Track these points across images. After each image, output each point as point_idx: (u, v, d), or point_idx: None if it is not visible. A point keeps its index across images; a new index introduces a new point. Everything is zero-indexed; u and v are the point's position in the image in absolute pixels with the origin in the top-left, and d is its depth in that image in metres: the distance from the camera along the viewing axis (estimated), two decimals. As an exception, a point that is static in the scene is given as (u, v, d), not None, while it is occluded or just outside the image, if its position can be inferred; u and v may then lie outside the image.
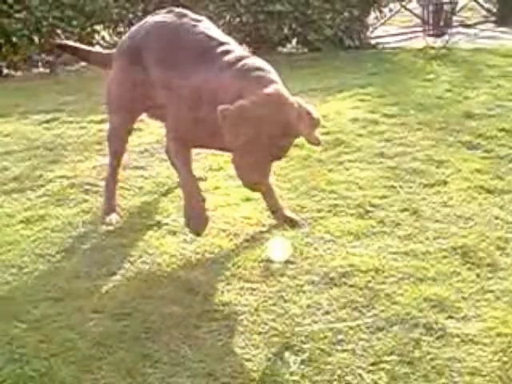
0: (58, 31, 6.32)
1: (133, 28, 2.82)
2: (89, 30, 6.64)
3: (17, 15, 6.12)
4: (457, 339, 1.86)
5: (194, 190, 2.42)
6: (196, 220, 2.37)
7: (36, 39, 6.31)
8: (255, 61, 2.30)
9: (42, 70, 6.43)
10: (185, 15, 2.55)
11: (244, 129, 2.09)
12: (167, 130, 2.58)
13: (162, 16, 2.62)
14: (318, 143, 2.25)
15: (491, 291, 2.10)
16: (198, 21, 2.53)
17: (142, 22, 2.73)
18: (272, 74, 2.26)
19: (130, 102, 2.69)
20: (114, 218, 2.71)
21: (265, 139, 2.10)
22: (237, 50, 2.41)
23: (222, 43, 2.40)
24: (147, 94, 2.59)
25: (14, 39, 6.12)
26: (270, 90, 2.15)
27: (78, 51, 3.16)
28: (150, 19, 2.67)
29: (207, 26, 2.51)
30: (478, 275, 2.20)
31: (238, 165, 2.18)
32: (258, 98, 2.12)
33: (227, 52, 2.35)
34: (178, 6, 2.71)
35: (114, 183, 2.84)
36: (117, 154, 2.84)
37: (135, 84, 2.61)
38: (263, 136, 2.10)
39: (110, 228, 2.66)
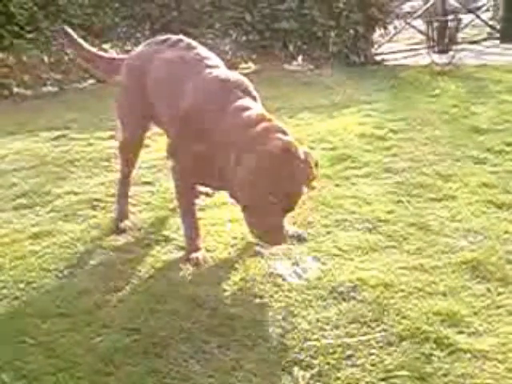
0: (67, 50, 6.42)
1: (145, 50, 2.80)
2: (97, 48, 6.74)
3: (28, 36, 6.23)
4: (469, 355, 1.83)
5: (194, 234, 2.51)
6: (194, 262, 2.43)
7: (46, 58, 6.41)
8: (263, 112, 2.31)
9: (50, 88, 6.52)
10: (204, 58, 2.53)
11: (260, 181, 2.11)
12: (173, 166, 2.57)
13: (178, 53, 2.59)
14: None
15: (503, 306, 2.07)
16: (216, 67, 2.51)
17: (157, 47, 2.72)
18: (280, 126, 2.27)
19: (138, 115, 2.75)
20: (127, 223, 2.80)
21: (278, 195, 2.13)
22: (253, 106, 2.36)
23: (238, 97, 2.36)
24: (152, 109, 2.65)
25: (25, 58, 6.22)
26: (281, 143, 2.16)
27: (82, 49, 3.03)
28: (167, 52, 2.63)
29: (224, 72, 2.51)
30: (488, 289, 2.17)
31: (255, 227, 2.23)
32: (274, 151, 2.14)
33: (244, 109, 2.31)
34: (184, 24, 2.77)
35: (125, 193, 2.89)
36: (128, 164, 2.89)
37: (141, 101, 2.67)
38: (277, 191, 2.13)
39: (119, 243, 2.66)
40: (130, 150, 2.88)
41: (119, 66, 2.87)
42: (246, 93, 2.39)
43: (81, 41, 3.07)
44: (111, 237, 2.73)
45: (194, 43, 2.64)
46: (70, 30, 3.05)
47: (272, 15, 6.88)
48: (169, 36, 2.74)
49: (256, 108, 2.33)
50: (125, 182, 2.91)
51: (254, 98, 2.42)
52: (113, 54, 5.99)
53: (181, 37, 2.70)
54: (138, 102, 2.70)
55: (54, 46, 6.34)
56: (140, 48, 2.88)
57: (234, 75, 2.49)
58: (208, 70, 2.47)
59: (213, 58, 2.58)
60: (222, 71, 2.51)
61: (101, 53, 3.18)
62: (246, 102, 2.34)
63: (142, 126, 2.83)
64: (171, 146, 2.56)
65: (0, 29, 6.18)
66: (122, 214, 2.85)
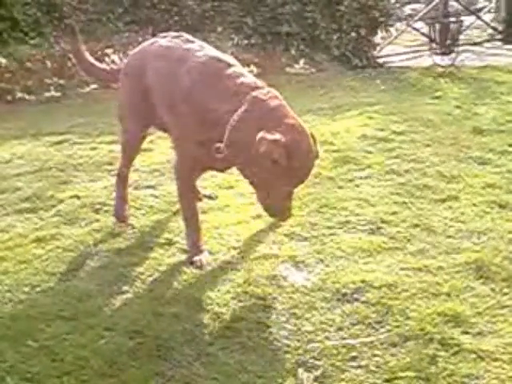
0: (70, 55, 6.45)
1: (139, 48, 2.85)
2: (99, 53, 6.78)
3: (31, 42, 6.27)
4: (473, 355, 1.83)
5: (197, 237, 2.52)
6: (197, 265, 2.43)
7: (49, 64, 6.44)
8: (268, 90, 2.31)
9: (54, 93, 6.53)
10: (191, 41, 2.58)
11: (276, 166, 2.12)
12: (176, 162, 2.56)
13: (168, 40, 2.64)
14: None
15: (507, 306, 2.07)
16: (203, 46, 2.54)
17: (150, 42, 2.78)
18: (286, 106, 2.27)
19: (139, 113, 2.75)
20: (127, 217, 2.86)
21: (291, 174, 2.17)
22: (246, 74, 2.40)
23: (230, 65, 2.40)
24: (152, 108, 2.63)
25: (28, 64, 6.25)
26: (292, 122, 2.18)
27: (83, 61, 3.03)
28: (160, 46, 2.65)
29: (211, 50, 2.52)
30: (492, 290, 2.17)
31: (267, 203, 2.26)
32: (292, 131, 2.15)
33: (237, 76, 2.34)
34: (186, 28, 2.78)
35: (124, 194, 2.93)
36: (128, 165, 2.93)
37: (142, 99, 2.66)
38: (290, 171, 2.15)
39: (122, 246, 2.67)
40: (131, 151, 2.91)
41: (114, 75, 2.90)
42: (241, 70, 2.40)
43: (81, 46, 3.05)
44: (114, 240, 2.73)
45: (189, 36, 2.63)
46: (77, 30, 3.03)
47: (274, 19, 6.90)
48: (167, 33, 2.75)
49: (257, 82, 2.34)
50: (124, 182, 2.95)
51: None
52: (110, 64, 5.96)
53: (179, 33, 2.69)
54: (139, 102, 2.69)
55: (57, 52, 6.37)
56: (138, 48, 2.89)
57: (226, 55, 2.51)
58: (200, 53, 2.46)
59: (204, 45, 2.57)
60: (214, 52, 2.50)
61: (96, 63, 3.17)
62: (245, 78, 2.34)
63: (143, 127, 2.82)
64: (175, 140, 2.56)
65: (4, 34, 6.22)
66: (122, 215, 2.87)
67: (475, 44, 8.49)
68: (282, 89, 2.37)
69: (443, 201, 2.98)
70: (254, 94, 2.23)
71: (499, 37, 8.87)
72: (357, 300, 2.14)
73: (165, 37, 2.70)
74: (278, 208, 2.27)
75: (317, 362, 1.83)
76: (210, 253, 2.53)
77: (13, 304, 2.25)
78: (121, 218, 2.86)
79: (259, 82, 2.35)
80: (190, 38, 2.63)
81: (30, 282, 2.39)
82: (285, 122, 2.17)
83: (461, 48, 7.52)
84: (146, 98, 2.62)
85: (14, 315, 2.18)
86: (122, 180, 2.95)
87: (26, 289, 2.35)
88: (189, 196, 2.57)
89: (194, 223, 2.54)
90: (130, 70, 2.78)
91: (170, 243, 2.67)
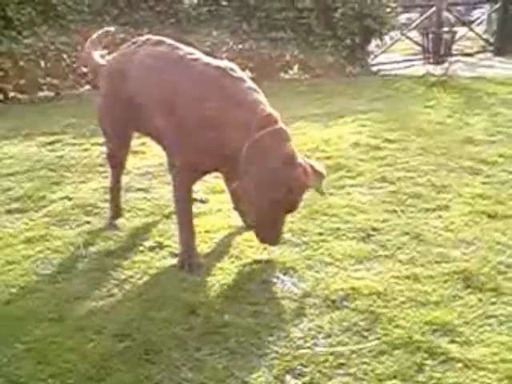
0: (64, 56, 6.43)
1: (120, 52, 2.76)
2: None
3: (25, 41, 6.24)
4: (460, 364, 1.84)
5: (190, 240, 2.52)
6: (188, 269, 2.44)
7: (42, 63, 6.42)
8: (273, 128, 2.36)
9: (47, 93, 6.52)
10: (177, 47, 2.55)
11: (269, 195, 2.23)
12: (174, 163, 2.55)
13: (160, 50, 2.57)
14: (322, 194, 2.63)
15: (494, 316, 2.08)
16: (192, 53, 2.52)
17: (131, 48, 2.69)
18: (283, 129, 2.36)
19: (120, 126, 2.75)
20: (120, 222, 2.91)
21: (280, 202, 2.26)
22: (244, 80, 2.42)
23: (226, 72, 2.39)
24: (135, 117, 2.62)
25: (21, 63, 6.22)
26: (282, 152, 2.27)
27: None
28: (148, 51, 2.60)
29: (202, 57, 2.50)
30: (480, 300, 2.18)
31: (258, 231, 2.39)
32: (274, 163, 2.23)
33: (237, 81, 2.37)
34: (182, 31, 2.76)
35: (117, 193, 2.97)
36: (116, 170, 2.96)
37: (124, 107, 2.63)
38: (282, 201, 2.27)
39: (112, 249, 2.66)
40: (117, 160, 2.92)
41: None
42: (240, 78, 2.42)
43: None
44: (104, 242, 2.72)
45: (175, 43, 2.60)
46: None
47: (269, 24, 6.93)
48: (149, 37, 2.71)
49: (259, 98, 2.41)
50: (115, 188, 2.96)
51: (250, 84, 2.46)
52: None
53: (161, 38, 2.66)
54: (121, 109, 2.66)
55: (51, 51, 6.34)
56: (118, 52, 2.81)
57: (223, 62, 2.50)
58: (195, 61, 2.45)
59: (195, 52, 2.55)
60: (210, 59, 2.49)
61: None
62: (247, 89, 2.40)
63: (127, 135, 2.81)
64: (171, 144, 2.55)
65: (-3, 33, 6.20)
66: (115, 220, 2.88)
67: (467, 55, 8.59)
68: (275, 94, 2.39)
69: (433, 210, 3.00)
70: (257, 136, 2.27)
71: (490, 48, 8.98)
72: (346, 307, 2.15)
73: (146, 41, 2.63)
74: (268, 235, 2.39)
75: (305, 369, 1.83)
76: (201, 257, 2.53)
77: (0, 305, 2.23)
78: (116, 227, 2.86)
79: (261, 98, 2.43)
80: (174, 43, 2.58)
81: (19, 282, 2.38)
82: (281, 161, 2.26)
83: (453, 58, 7.61)
84: (129, 104, 2.59)
85: (1, 316, 2.17)
86: (116, 191, 2.97)
87: (14, 289, 2.33)
88: (185, 199, 2.56)
89: (189, 227, 2.53)
90: (111, 74, 2.72)
91: (160, 246, 2.67)
